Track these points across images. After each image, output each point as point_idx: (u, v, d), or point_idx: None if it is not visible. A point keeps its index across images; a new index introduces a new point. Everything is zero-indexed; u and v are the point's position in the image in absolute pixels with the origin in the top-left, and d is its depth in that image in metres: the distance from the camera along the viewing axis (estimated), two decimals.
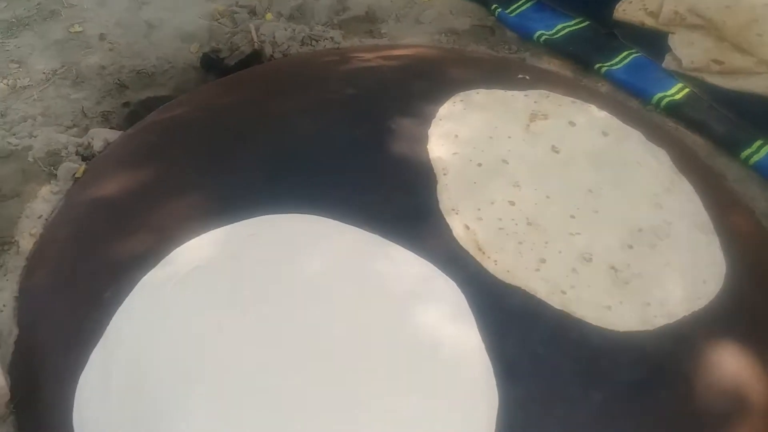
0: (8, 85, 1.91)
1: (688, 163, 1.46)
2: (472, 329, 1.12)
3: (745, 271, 1.29)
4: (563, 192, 1.32)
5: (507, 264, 1.19)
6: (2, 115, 1.78)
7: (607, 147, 1.46)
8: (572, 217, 1.28)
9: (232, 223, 1.27)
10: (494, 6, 2.14)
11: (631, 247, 1.25)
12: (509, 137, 1.43)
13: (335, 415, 1.02)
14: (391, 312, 1.13)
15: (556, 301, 1.15)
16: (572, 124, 1.49)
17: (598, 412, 1.08)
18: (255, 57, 2.02)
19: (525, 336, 1.12)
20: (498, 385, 1.07)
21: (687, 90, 1.75)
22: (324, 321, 1.12)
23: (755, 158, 1.58)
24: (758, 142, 1.60)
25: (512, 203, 1.28)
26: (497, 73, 1.70)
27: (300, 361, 1.07)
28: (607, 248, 1.24)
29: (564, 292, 1.16)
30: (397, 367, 1.07)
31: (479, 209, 1.27)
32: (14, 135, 1.66)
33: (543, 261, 1.20)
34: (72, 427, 1.06)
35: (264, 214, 1.29)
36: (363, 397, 1.04)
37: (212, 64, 2.04)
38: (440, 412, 1.03)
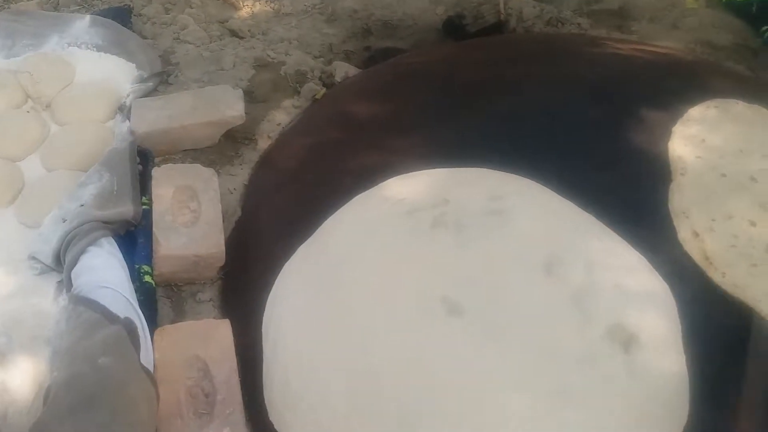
0: (273, 10, 2.12)
1: None
2: (675, 338, 1.03)
3: None
4: None
5: (737, 279, 1.08)
6: (264, 33, 1.98)
7: None
8: None
9: (448, 167, 1.29)
10: (765, 28, 1.93)
11: None
12: (763, 156, 1.29)
13: (511, 391, 0.99)
14: (590, 296, 1.08)
15: None
16: None
17: None
18: (497, 28, 2.03)
19: (739, 359, 1.01)
20: (691, 402, 0.98)
21: None
22: (517, 288, 1.09)
23: None
24: None
25: (753, 224, 1.16)
26: (759, 90, 1.53)
27: (485, 314, 1.06)
28: None
29: None
30: (582, 357, 1.01)
31: (713, 220, 1.16)
32: (273, 50, 1.83)
33: None
34: (264, 303, 1.16)
35: (477, 167, 1.29)
36: (540, 377, 0.99)
37: (454, 29, 2.09)
38: (619, 412, 0.97)
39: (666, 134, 1.32)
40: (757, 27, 1.96)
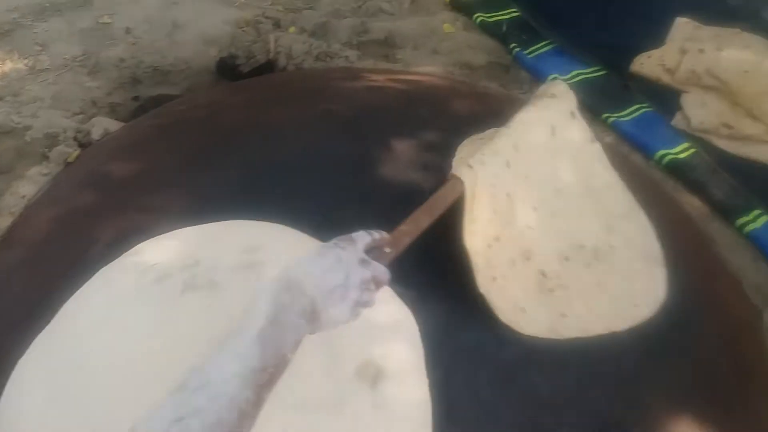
0: (28, 66, 1.97)
1: (677, 224, 1.41)
2: (418, 364, 1.07)
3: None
4: (537, 182, 1.27)
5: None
6: (15, 94, 1.83)
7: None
8: (534, 209, 1.24)
9: (200, 223, 1.26)
10: (513, 45, 2.14)
11: (567, 259, 1.23)
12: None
13: None
14: (338, 338, 1.07)
15: (483, 284, 1.11)
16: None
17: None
18: (268, 67, 2.04)
19: (479, 374, 1.08)
20: (434, 424, 1.02)
21: (692, 150, 1.72)
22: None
23: (750, 227, 1.53)
24: (756, 212, 1.55)
25: (509, 165, 1.22)
26: (503, 110, 1.67)
27: None
28: (545, 253, 1.21)
29: (494, 279, 1.13)
30: (332, 401, 1.02)
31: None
32: (19, 114, 1.69)
33: (497, 239, 1.16)
34: None
35: (235, 219, 1.28)
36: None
37: (227, 70, 2.07)
38: None
39: (415, 163, 1.38)
40: (508, 44, 2.16)
